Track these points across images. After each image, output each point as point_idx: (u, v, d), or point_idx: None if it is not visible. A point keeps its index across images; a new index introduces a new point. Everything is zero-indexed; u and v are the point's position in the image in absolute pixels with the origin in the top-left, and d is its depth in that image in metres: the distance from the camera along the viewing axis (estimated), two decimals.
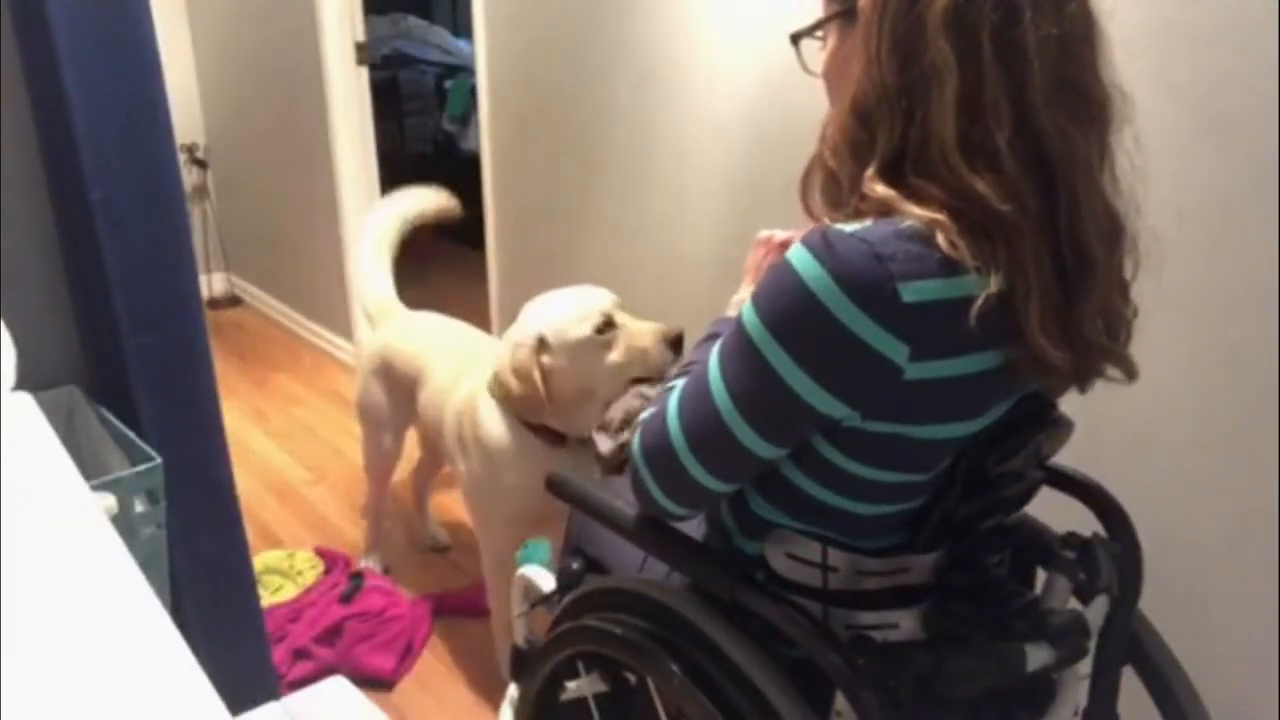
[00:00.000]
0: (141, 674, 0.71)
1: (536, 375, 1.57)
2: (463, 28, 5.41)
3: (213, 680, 0.70)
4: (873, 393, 0.79)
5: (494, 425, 1.73)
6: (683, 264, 2.17)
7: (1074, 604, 0.99)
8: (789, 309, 0.77)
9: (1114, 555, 1.00)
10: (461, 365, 1.90)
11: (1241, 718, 1.34)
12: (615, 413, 1.28)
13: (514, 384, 1.59)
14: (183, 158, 3.30)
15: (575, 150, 2.41)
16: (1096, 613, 0.95)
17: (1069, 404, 0.97)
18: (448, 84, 5.16)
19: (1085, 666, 0.98)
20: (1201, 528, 1.37)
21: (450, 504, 2.60)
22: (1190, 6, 1.24)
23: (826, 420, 0.81)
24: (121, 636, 0.76)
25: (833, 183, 0.84)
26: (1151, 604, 1.04)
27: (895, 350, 0.75)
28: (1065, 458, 1.04)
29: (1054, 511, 1.06)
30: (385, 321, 2.21)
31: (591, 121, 2.33)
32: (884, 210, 0.78)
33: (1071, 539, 1.03)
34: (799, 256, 0.76)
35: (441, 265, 4.42)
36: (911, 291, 0.73)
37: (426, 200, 2.32)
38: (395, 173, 3.87)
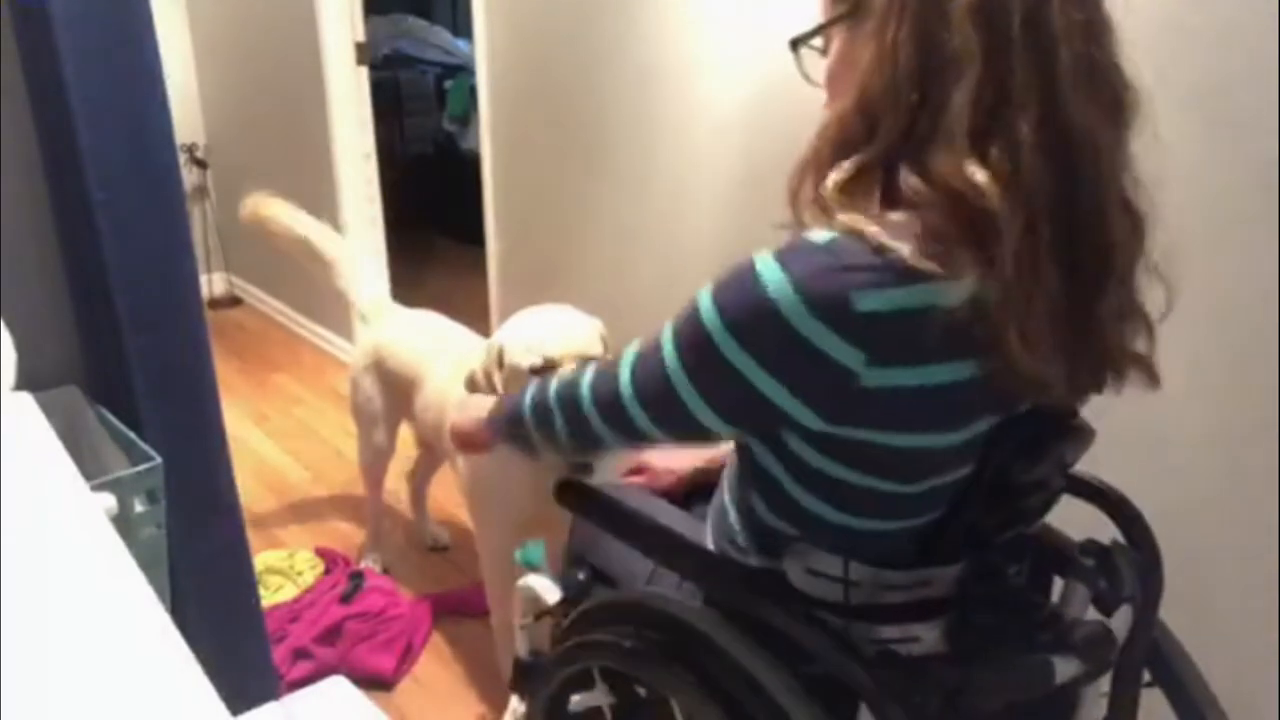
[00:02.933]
0: (141, 674, 0.71)
1: (497, 380, 1.61)
2: (463, 28, 5.41)
3: (213, 680, 0.70)
4: (832, 397, 0.79)
5: None
6: (683, 263, 2.17)
7: (1092, 613, 0.97)
8: (748, 310, 0.78)
9: (1134, 563, 0.98)
10: (460, 367, 1.90)
11: (1242, 715, 1.34)
12: None
13: (481, 383, 1.64)
14: (183, 158, 3.29)
15: (575, 150, 2.41)
16: (1121, 622, 0.93)
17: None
18: (448, 84, 5.16)
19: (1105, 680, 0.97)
20: (1202, 528, 1.37)
21: (450, 504, 2.60)
22: (1192, 7, 1.24)
23: (779, 411, 0.81)
24: (121, 636, 0.76)
25: (819, 179, 0.82)
26: None
27: (850, 357, 0.75)
28: None
29: (1066, 518, 1.06)
30: (378, 319, 2.21)
31: (592, 120, 2.33)
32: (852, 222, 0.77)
33: (1090, 546, 1.00)
34: (765, 264, 0.77)
35: (441, 265, 4.42)
36: (868, 301, 0.74)
37: None
38: (395, 173, 3.88)
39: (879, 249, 0.74)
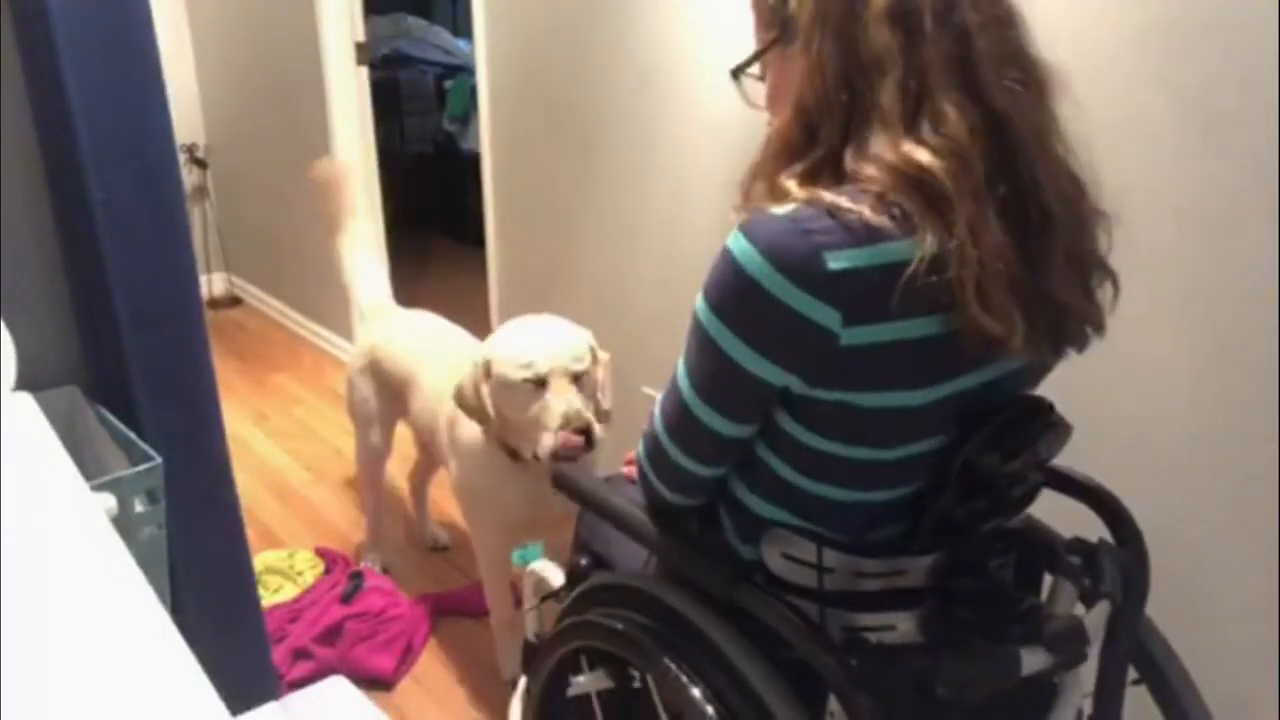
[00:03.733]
0: (141, 674, 0.71)
1: (484, 392, 1.63)
2: (463, 28, 5.41)
3: (213, 680, 0.70)
4: (812, 360, 0.82)
5: (468, 433, 1.76)
6: (683, 263, 2.17)
7: (1079, 609, 0.98)
8: (729, 289, 0.83)
9: (1119, 561, 0.99)
10: (456, 369, 1.91)
11: (1241, 715, 1.34)
12: None
13: (469, 394, 1.66)
14: (183, 158, 3.30)
15: (575, 150, 2.41)
16: (1097, 617, 0.94)
17: (1066, 404, 0.98)
18: (448, 84, 5.15)
19: (1089, 681, 0.98)
20: (1201, 527, 1.37)
21: (450, 504, 2.60)
22: (1190, 6, 1.24)
23: (774, 391, 0.85)
24: (121, 636, 0.76)
25: (764, 179, 0.89)
26: (1150, 603, 1.04)
27: (828, 317, 0.79)
28: (1063, 457, 1.04)
29: (1066, 516, 1.06)
30: (376, 319, 2.21)
31: (591, 121, 2.33)
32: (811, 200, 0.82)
33: (1077, 544, 1.02)
34: (735, 240, 0.82)
35: (441, 265, 4.42)
36: (837, 259, 0.77)
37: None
38: (395, 173, 3.88)
39: (835, 211, 0.79)
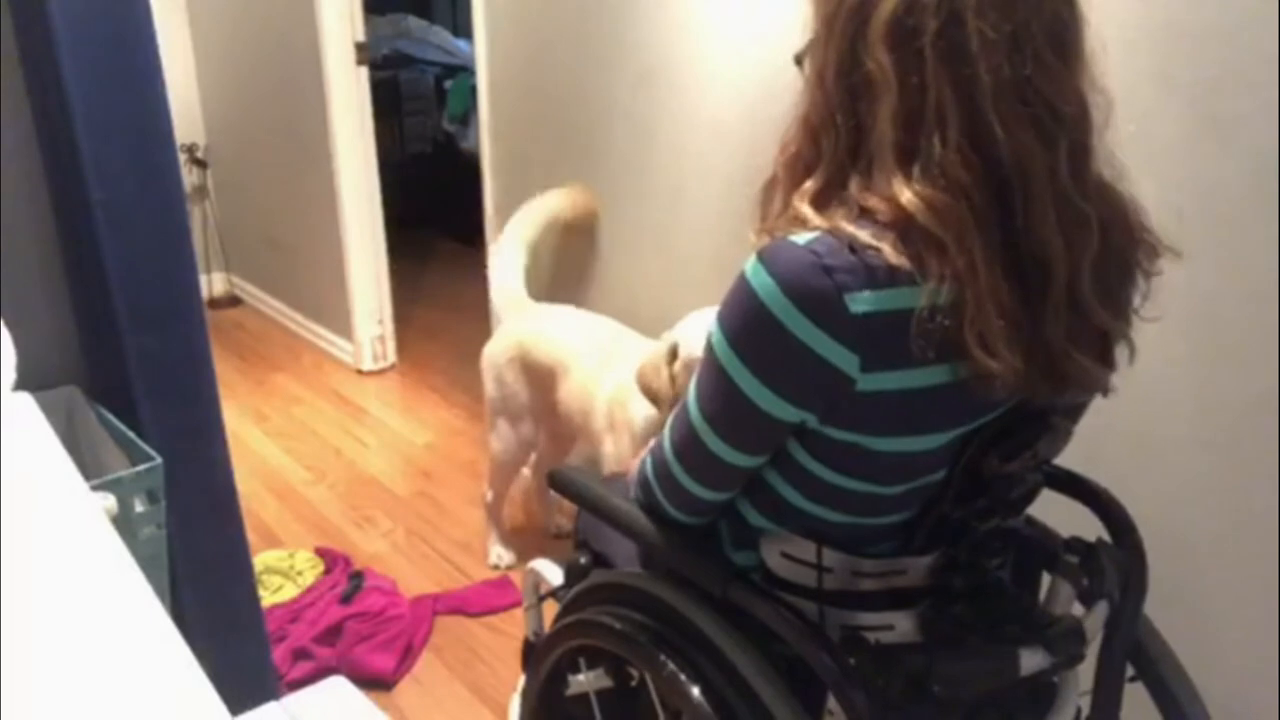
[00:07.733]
0: (141, 674, 0.71)
1: (666, 374, 1.66)
2: (463, 28, 5.41)
3: (213, 680, 0.70)
4: (827, 400, 0.80)
5: (632, 413, 1.84)
6: (682, 264, 2.17)
7: (1078, 609, 0.98)
8: (744, 321, 0.79)
9: (1117, 561, 0.99)
10: (603, 357, 2.01)
11: (1241, 715, 1.34)
12: None
13: (650, 377, 1.69)
14: (183, 158, 3.29)
15: (575, 150, 2.41)
16: (1096, 618, 0.94)
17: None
18: (448, 84, 5.15)
19: (1088, 679, 0.98)
20: (1201, 527, 1.37)
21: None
22: (1190, 6, 1.24)
23: (788, 426, 0.83)
24: (121, 636, 0.76)
25: (779, 195, 0.85)
26: (1151, 603, 1.04)
27: (846, 361, 0.77)
28: (1064, 458, 1.04)
29: (1063, 516, 1.06)
30: (516, 313, 2.25)
31: (591, 121, 2.33)
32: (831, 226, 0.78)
33: (1075, 544, 1.02)
34: (753, 269, 0.78)
35: (441, 265, 4.42)
36: (858, 302, 0.74)
37: (566, 201, 2.36)
38: (395, 173, 3.88)
39: (857, 247, 0.75)
